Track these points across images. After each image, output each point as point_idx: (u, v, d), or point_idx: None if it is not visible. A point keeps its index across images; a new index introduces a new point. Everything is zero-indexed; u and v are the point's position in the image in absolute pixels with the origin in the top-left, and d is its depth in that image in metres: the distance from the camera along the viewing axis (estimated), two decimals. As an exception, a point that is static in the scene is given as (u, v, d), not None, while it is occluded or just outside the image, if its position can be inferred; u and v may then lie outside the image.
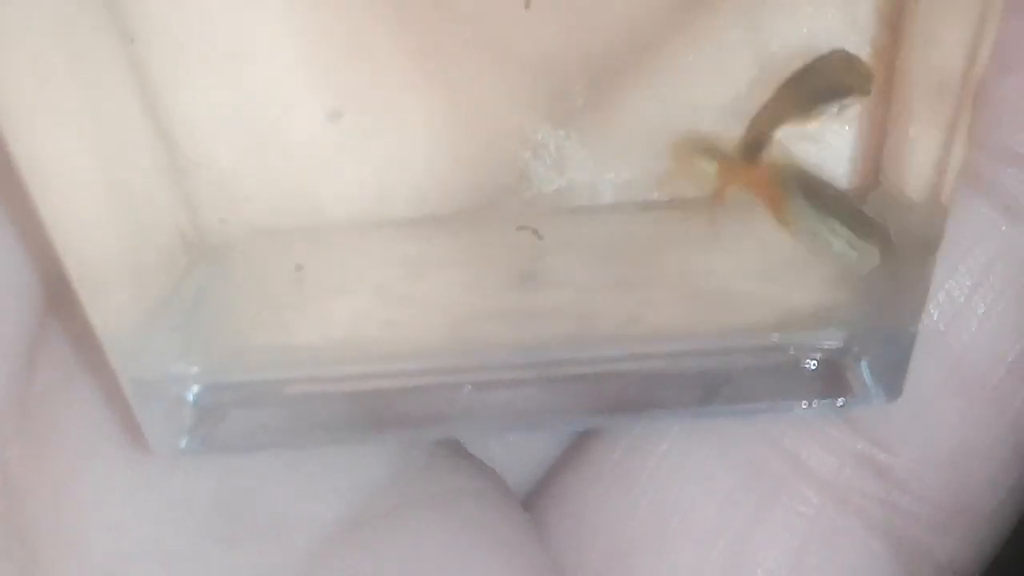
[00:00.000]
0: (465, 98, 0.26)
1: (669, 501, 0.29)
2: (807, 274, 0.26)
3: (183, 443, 0.26)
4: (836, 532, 0.28)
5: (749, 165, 0.25)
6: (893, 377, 0.25)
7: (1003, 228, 0.27)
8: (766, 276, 0.26)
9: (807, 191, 0.25)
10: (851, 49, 0.25)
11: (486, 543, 0.28)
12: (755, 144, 0.25)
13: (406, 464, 0.29)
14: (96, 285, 0.24)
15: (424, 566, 0.28)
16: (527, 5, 0.24)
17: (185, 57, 0.25)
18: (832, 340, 0.26)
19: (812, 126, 0.25)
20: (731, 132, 0.25)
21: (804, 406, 0.26)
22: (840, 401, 0.26)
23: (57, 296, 0.26)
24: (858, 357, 0.26)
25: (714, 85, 0.25)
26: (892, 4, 0.24)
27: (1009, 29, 0.25)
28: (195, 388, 0.26)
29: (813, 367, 0.26)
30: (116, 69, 0.25)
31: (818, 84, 0.25)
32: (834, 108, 0.25)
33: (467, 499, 0.29)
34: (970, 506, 0.28)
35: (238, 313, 0.27)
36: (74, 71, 0.24)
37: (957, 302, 0.27)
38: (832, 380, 0.26)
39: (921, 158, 0.24)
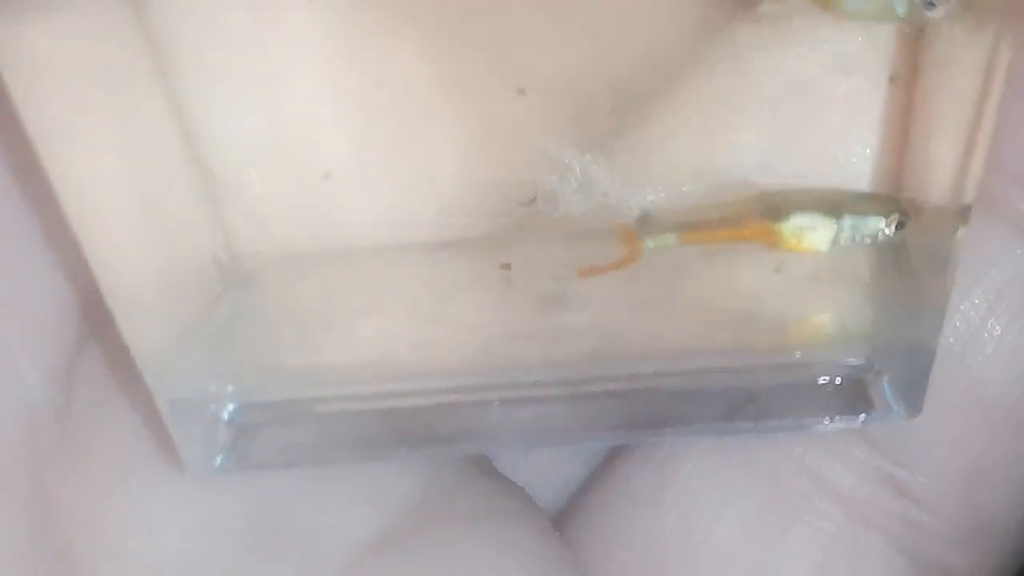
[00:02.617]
0: (492, 123, 0.26)
1: (694, 519, 0.29)
2: (828, 292, 0.26)
3: (218, 461, 0.26)
4: (857, 548, 0.29)
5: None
6: (913, 393, 0.26)
7: (1018, 251, 0.27)
8: (788, 294, 0.27)
9: None
10: (872, 74, 0.25)
11: (517, 560, 0.29)
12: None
13: (437, 482, 0.29)
14: (132, 308, 0.25)
15: None
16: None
17: (219, 85, 0.25)
18: (854, 357, 0.26)
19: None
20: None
21: (827, 423, 0.26)
22: (862, 417, 0.26)
23: (95, 319, 0.27)
24: (879, 374, 0.26)
25: (736, 109, 0.26)
26: (912, 29, 0.25)
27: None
28: (230, 407, 0.26)
29: (835, 384, 0.26)
30: (152, 96, 0.25)
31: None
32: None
33: (498, 516, 0.29)
34: (989, 523, 0.29)
35: (271, 334, 0.27)
36: (111, 98, 0.24)
37: (973, 324, 0.27)
38: (854, 397, 0.26)
39: (941, 170, 0.24)
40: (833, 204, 0.26)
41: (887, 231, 0.25)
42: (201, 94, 0.25)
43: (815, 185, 0.26)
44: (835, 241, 0.26)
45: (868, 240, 0.26)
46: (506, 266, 0.27)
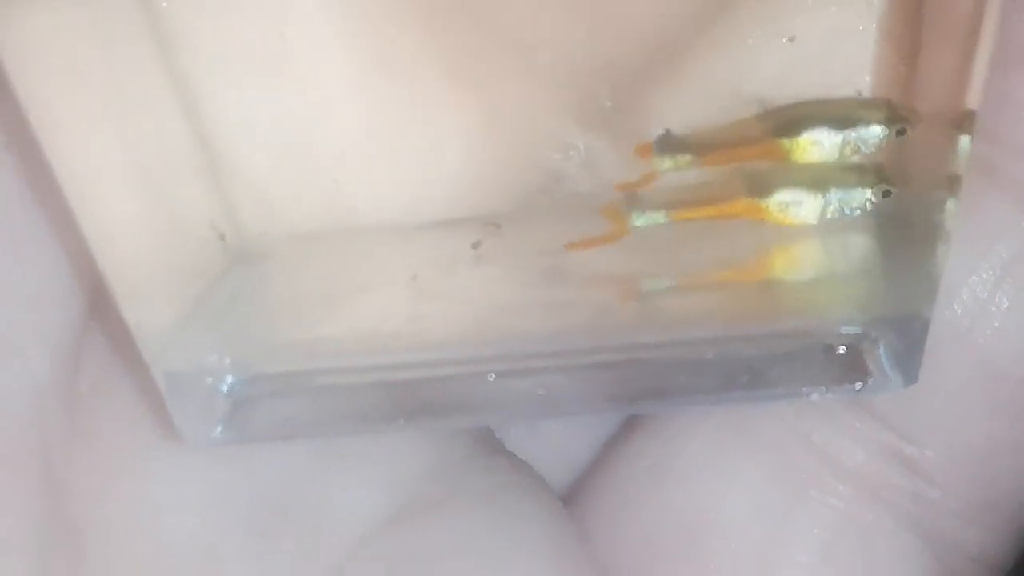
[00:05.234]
0: (496, 103, 0.26)
1: (702, 496, 0.29)
2: (824, 260, 0.26)
3: (217, 433, 0.26)
4: (866, 525, 0.28)
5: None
6: (909, 362, 0.26)
7: (1023, 224, 0.27)
8: (785, 263, 0.27)
9: None
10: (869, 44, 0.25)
11: (527, 536, 0.29)
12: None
13: (445, 458, 0.29)
14: (131, 289, 0.25)
15: (466, 558, 0.28)
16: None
17: (223, 63, 0.26)
18: (850, 326, 0.26)
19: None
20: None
21: (823, 392, 0.26)
22: (858, 386, 0.26)
23: (101, 297, 0.27)
24: (875, 343, 0.26)
25: (738, 85, 0.26)
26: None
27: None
28: (228, 379, 0.27)
29: (831, 353, 0.26)
30: (154, 74, 0.25)
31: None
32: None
33: (507, 492, 0.30)
34: (999, 498, 0.28)
35: (271, 308, 0.28)
36: (111, 76, 0.25)
37: (980, 298, 0.27)
38: (851, 366, 0.26)
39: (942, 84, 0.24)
40: (818, 178, 0.26)
41: (873, 200, 0.25)
42: (205, 72, 0.26)
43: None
44: (823, 214, 0.26)
45: (857, 211, 0.26)
46: (477, 244, 0.27)
